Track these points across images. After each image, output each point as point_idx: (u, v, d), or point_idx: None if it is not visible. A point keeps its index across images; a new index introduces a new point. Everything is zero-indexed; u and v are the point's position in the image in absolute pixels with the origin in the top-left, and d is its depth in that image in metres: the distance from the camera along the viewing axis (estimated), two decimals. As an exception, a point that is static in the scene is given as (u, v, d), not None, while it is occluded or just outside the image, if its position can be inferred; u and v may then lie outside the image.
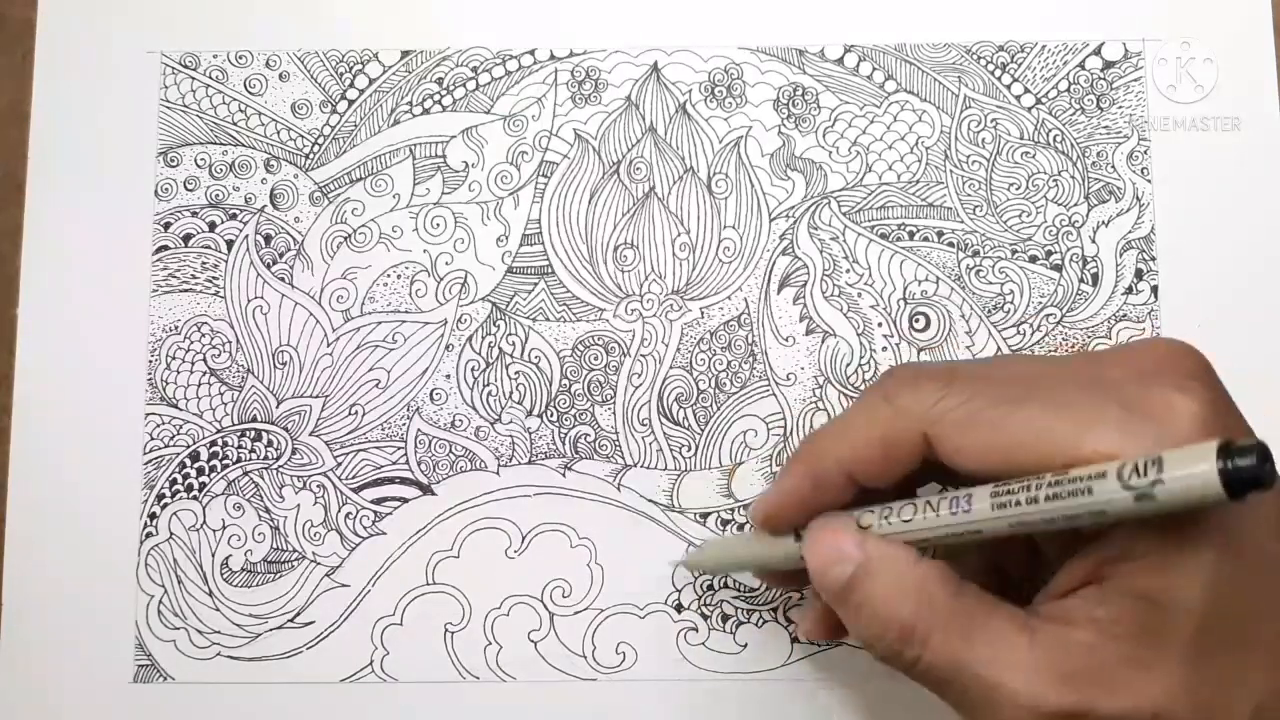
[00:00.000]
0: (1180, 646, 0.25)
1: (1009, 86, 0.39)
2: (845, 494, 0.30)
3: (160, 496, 0.37)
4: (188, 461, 0.38)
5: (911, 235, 0.38)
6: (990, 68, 0.39)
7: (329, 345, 0.38)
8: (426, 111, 0.39)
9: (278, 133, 0.39)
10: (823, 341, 0.38)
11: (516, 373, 0.38)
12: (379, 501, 0.37)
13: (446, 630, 0.37)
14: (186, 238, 0.39)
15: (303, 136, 0.39)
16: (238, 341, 0.38)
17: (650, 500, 0.37)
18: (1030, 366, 0.29)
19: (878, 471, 0.29)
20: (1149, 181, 0.38)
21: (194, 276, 0.38)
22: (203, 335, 0.38)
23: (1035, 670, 0.26)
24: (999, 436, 0.27)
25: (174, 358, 0.38)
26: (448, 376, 0.38)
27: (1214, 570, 0.25)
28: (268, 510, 0.37)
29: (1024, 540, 0.30)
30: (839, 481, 0.30)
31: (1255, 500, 0.24)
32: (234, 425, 0.38)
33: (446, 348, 0.38)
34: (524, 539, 0.37)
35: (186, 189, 0.39)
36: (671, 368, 0.38)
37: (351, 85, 0.39)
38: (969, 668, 0.27)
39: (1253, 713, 0.26)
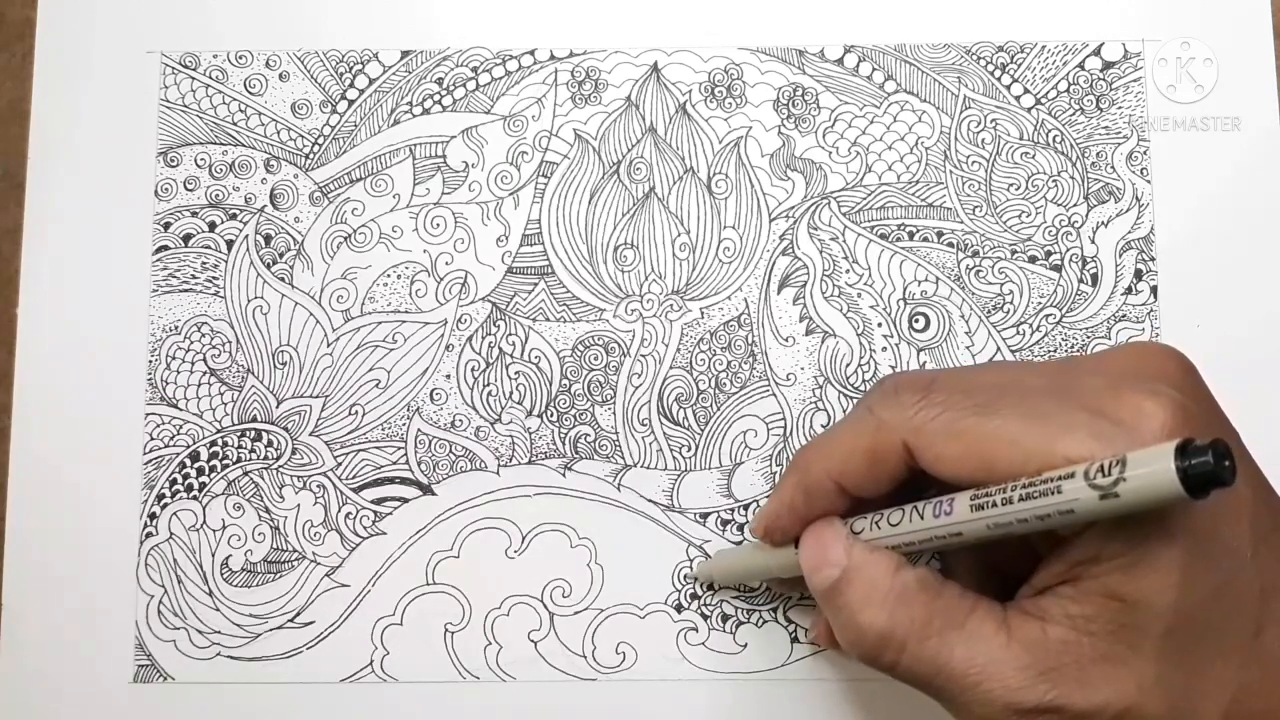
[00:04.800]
0: (1152, 644, 0.26)
1: (1009, 87, 0.39)
2: (837, 504, 0.31)
3: (160, 496, 0.37)
4: (188, 461, 0.38)
5: (911, 235, 0.38)
6: (990, 68, 0.39)
7: (329, 345, 0.38)
8: (426, 111, 0.39)
9: (278, 133, 0.39)
10: (823, 342, 0.38)
11: (516, 373, 0.38)
12: (379, 501, 0.37)
13: (446, 630, 0.37)
14: (186, 238, 0.39)
15: (303, 136, 0.39)
16: (238, 341, 0.38)
17: (650, 500, 0.37)
18: (1008, 375, 0.30)
19: (864, 482, 0.30)
20: (1148, 182, 0.38)
21: (194, 276, 0.38)
22: (203, 335, 0.38)
23: (1012, 667, 0.27)
24: (974, 444, 0.27)
25: (174, 358, 0.38)
26: (448, 376, 0.38)
27: (1182, 570, 0.25)
28: (268, 510, 0.37)
29: (1022, 540, 0.31)
30: (829, 492, 0.31)
31: (1223, 500, 0.25)
32: (234, 425, 0.38)
33: (446, 348, 0.38)
34: (524, 539, 0.37)
35: (186, 189, 0.39)
36: (671, 368, 0.38)
37: (351, 85, 0.39)
38: (946, 668, 0.27)
39: (1223, 708, 0.26)
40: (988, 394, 0.28)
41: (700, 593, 0.37)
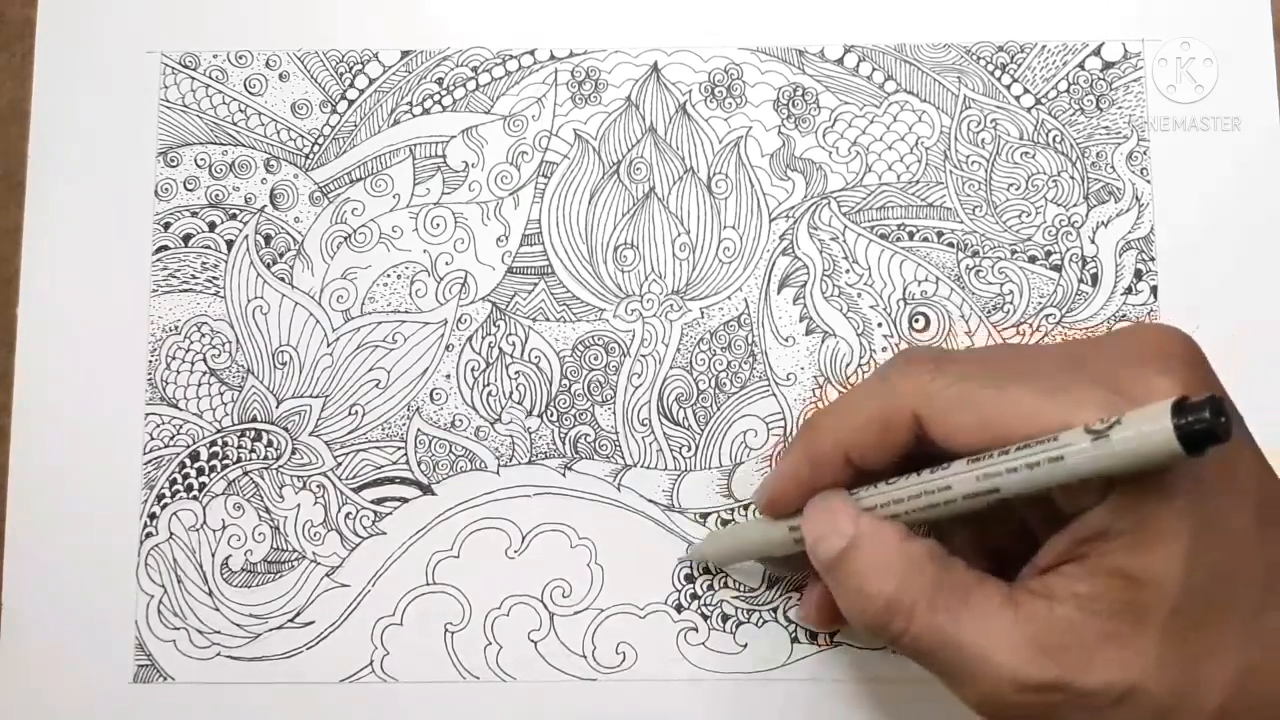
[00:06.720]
0: (1157, 622, 0.26)
1: (1009, 87, 0.39)
2: (842, 475, 0.31)
3: (160, 496, 0.37)
4: (188, 461, 0.38)
5: (911, 235, 0.38)
6: (990, 68, 0.39)
7: (329, 345, 0.38)
8: (426, 111, 0.39)
9: (278, 133, 0.39)
10: (823, 342, 0.38)
11: (516, 373, 0.38)
12: (379, 501, 0.37)
13: (446, 630, 0.37)
14: (186, 238, 0.39)
15: (303, 136, 0.39)
16: (238, 341, 0.38)
17: (650, 500, 0.37)
18: (1019, 352, 0.30)
19: (872, 451, 0.30)
20: (1148, 182, 0.38)
21: (194, 276, 0.38)
22: (203, 335, 0.38)
23: (1017, 644, 0.27)
24: (987, 416, 0.27)
25: (174, 358, 0.38)
26: (448, 376, 0.38)
27: (1191, 548, 0.26)
28: (268, 510, 0.37)
29: (1017, 521, 0.31)
30: (836, 462, 0.30)
31: (1229, 484, 0.25)
32: (234, 425, 0.38)
33: (446, 348, 0.38)
34: (524, 539, 0.37)
35: (186, 189, 0.39)
36: (671, 368, 0.38)
37: (351, 85, 0.39)
38: (953, 640, 0.27)
39: (1226, 688, 0.26)
40: (1002, 368, 0.28)
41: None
